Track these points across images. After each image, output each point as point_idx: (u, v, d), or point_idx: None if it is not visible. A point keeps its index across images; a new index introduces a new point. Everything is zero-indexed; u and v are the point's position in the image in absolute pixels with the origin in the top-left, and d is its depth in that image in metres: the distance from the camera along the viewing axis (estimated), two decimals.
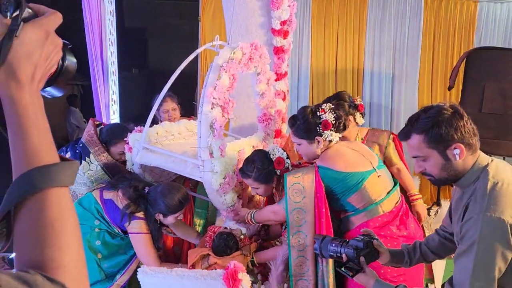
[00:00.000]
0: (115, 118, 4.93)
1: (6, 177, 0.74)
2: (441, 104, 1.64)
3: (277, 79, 3.32)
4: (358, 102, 2.97)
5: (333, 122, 2.36)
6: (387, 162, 3.03)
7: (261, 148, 3.12)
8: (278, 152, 2.59)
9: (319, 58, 5.66)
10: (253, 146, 3.07)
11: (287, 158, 2.60)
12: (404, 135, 1.68)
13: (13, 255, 2.66)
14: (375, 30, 5.50)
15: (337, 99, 2.94)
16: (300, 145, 2.45)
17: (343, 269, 1.83)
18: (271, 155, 2.57)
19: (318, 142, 2.38)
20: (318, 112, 2.37)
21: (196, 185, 3.58)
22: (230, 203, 2.68)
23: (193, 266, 2.54)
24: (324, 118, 2.34)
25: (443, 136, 1.57)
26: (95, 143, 2.89)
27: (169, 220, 2.62)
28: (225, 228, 2.79)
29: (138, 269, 2.29)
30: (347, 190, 2.32)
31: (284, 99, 3.44)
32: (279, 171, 2.56)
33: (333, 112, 2.37)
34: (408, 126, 1.66)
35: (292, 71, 5.61)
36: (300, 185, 2.31)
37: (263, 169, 2.55)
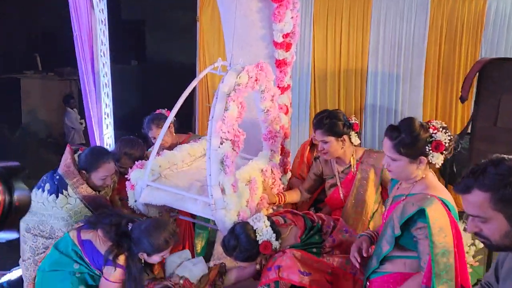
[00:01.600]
0: (108, 112, 4.70)
1: None
2: None
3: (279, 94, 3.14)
4: (353, 121, 2.78)
5: (447, 144, 2.01)
6: (384, 185, 2.86)
7: (270, 170, 2.94)
8: (267, 233, 2.35)
9: (321, 57, 5.46)
10: (262, 171, 2.87)
11: (276, 239, 2.36)
12: (464, 188, 1.43)
13: (3, 279, 2.45)
14: (380, 27, 5.30)
15: (331, 118, 2.73)
16: (395, 161, 2.06)
17: None
18: (258, 235, 2.33)
19: (420, 162, 2.02)
20: (429, 129, 2.03)
21: None
22: None
23: None
24: (438, 138, 2.00)
25: None
26: (73, 174, 2.65)
27: (154, 259, 2.43)
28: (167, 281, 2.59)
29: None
30: None
31: (286, 113, 3.26)
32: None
33: (447, 133, 2.03)
34: (470, 178, 1.41)
35: (292, 71, 5.41)
36: (440, 222, 1.90)
37: (246, 251, 2.33)
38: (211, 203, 2.30)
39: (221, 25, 3.58)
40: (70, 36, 4.25)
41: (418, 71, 5.30)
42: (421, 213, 1.89)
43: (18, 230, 0.64)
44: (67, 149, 2.75)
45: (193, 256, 3.55)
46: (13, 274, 3.13)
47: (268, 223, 2.38)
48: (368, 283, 2.15)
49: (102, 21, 4.36)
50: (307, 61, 5.50)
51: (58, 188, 2.62)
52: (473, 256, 2.97)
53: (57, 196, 2.60)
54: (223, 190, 2.30)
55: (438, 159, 2.00)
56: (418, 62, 5.29)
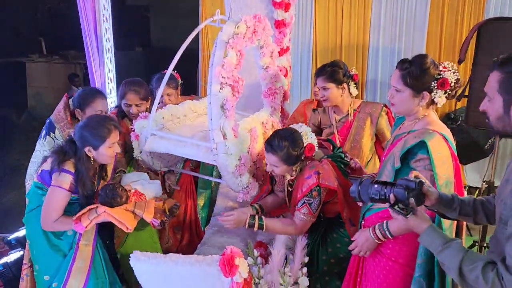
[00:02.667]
0: (112, 97, 4.77)
1: None
2: None
3: (278, 55, 3.18)
4: (353, 72, 2.91)
5: (452, 84, 2.04)
6: (379, 136, 2.99)
7: (270, 124, 3.02)
8: (311, 137, 2.45)
9: (323, 33, 5.48)
10: (263, 123, 2.96)
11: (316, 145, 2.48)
12: (490, 68, 1.58)
13: (12, 236, 2.53)
14: (381, 2, 5.29)
15: (332, 66, 2.86)
16: (399, 92, 2.09)
17: (396, 207, 1.64)
18: (304, 139, 2.43)
19: (423, 98, 2.06)
20: (439, 67, 2.05)
21: (198, 165, 3.47)
22: (245, 184, 2.59)
23: (79, 219, 2.36)
24: (445, 76, 2.03)
25: None
26: (62, 119, 2.77)
27: (102, 152, 2.42)
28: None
29: (131, 255, 2.17)
30: None
31: (286, 75, 3.31)
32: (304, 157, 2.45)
33: (456, 74, 2.05)
34: (497, 61, 1.55)
35: (293, 46, 5.44)
36: (442, 155, 1.97)
37: (293, 151, 2.40)
38: (213, 148, 2.36)
39: (223, 7, 3.61)
40: (74, 20, 4.33)
41: (419, 46, 5.28)
42: (422, 146, 1.95)
43: None
44: (63, 97, 2.85)
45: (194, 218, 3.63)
46: (21, 232, 3.24)
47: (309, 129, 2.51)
48: (363, 222, 2.20)
49: (104, 7, 4.42)
50: (308, 37, 5.52)
51: (47, 130, 2.77)
52: None
53: (45, 138, 2.75)
54: (224, 135, 2.36)
55: (440, 97, 2.04)
56: (419, 36, 5.28)
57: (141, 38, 10.10)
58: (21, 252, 3.07)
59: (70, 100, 2.87)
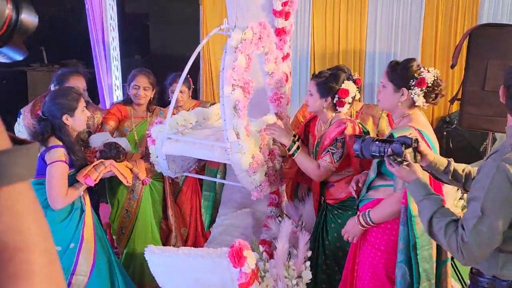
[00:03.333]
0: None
1: None
2: None
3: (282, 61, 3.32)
4: (356, 77, 3.00)
5: (429, 84, 2.21)
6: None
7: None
8: (352, 87, 2.65)
9: (320, 39, 5.62)
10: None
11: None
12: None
13: None
14: (377, 8, 5.45)
15: (336, 70, 2.98)
16: (384, 87, 2.33)
17: (390, 158, 1.84)
18: (345, 85, 2.64)
19: (402, 94, 2.25)
20: (422, 68, 2.26)
21: (203, 168, 3.59)
22: (258, 182, 2.71)
23: (87, 175, 2.56)
24: (423, 76, 2.21)
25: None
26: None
27: (78, 117, 2.59)
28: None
29: (145, 249, 2.31)
30: None
31: (286, 80, 3.43)
32: (337, 99, 2.65)
33: (436, 78, 2.23)
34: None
35: (292, 53, 5.52)
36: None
37: (330, 82, 2.64)
38: (227, 147, 2.51)
39: (224, 15, 3.72)
40: (76, 29, 4.50)
41: (414, 50, 5.43)
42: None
43: (22, 52, 0.65)
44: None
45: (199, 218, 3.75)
46: None
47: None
48: (358, 211, 2.36)
49: (111, 16, 4.59)
50: (306, 43, 5.66)
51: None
52: (462, 209, 3.14)
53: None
54: (237, 135, 2.52)
55: (418, 96, 2.22)
56: (414, 41, 5.44)
57: (140, 45, 10.21)
58: None
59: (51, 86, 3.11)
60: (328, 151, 2.63)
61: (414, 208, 2.07)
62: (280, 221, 2.98)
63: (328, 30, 5.58)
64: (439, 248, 2.23)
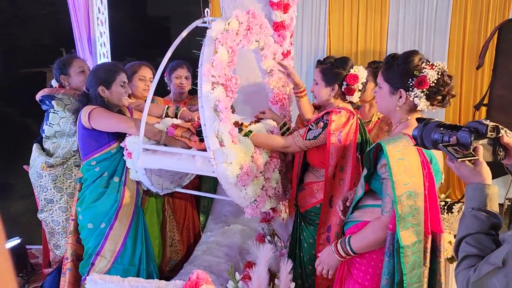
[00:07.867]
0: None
1: None
2: None
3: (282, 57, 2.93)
4: None
5: (432, 84, 1.75)
6: None
7: (275, 131, 2.78)
8: (362, 72, 2.37)
9: (337, 40, 5.28)
10: (268, 131, 2.70)
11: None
12: None
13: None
14: (399, 7, 5.07)
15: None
16: (380, 88, 1.90)
17: (449, 148, 1.33)
18: (354, 70, 2.37)
19: (400, 97, 1.81)
20: (424, 64, 1.79)
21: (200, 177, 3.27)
22: (252, 197, 2.32)
23: (176, 126, 2.45)
24: (425, 74, 1.75)
25: None
26: (54, 90, 2.96)
27: (115, 91, 2.54)
28: None
29: (87, 277, 1.95)
30: None
31: None
32: (345, 86, 2.37)
33: (441, 75, 1.76)
34: None
35: (306, 52, 5.21)
36: (406, 162, 1.71)
37: (336, 68, 2.37)
38: (210, 157, 2.13)
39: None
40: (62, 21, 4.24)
41: (441, 52, 5.05)
42: (382, 149, 1.73)
43: None
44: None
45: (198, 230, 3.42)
46: None
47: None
48: (343, 236, 1.97)
49: (99, 9, 4.28)
50: (322, 44, 5.32)
51: (46, 113, 2.93)
52: None
53: (46, 122, 2.93)
54: (221, 142, 2.14)
55: (420, 99, 1.77)
56: (440, 42, 5.04)
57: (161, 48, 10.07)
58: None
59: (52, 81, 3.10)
60: (307, 126, 2.38)
61: (404, 236, 1.66)
62: (265, 242, 2.59)
63: (346, 30, 5.25)
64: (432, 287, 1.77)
